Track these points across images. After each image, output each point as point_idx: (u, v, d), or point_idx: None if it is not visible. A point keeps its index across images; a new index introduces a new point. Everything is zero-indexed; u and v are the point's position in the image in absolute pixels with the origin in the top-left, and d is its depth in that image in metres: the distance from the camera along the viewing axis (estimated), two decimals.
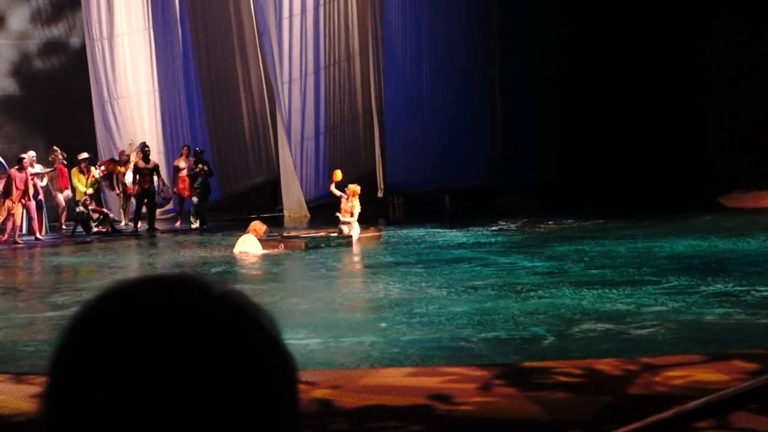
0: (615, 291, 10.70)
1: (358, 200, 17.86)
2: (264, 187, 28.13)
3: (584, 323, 8.89)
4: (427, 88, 26.30)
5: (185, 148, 24.99)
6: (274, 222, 23.33)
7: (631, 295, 10.40)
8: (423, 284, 11.87)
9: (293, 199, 26.42)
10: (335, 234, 17.73)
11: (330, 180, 19.14)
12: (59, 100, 28.03)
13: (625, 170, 24.62)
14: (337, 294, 12.29)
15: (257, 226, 16.96)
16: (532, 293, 10.80)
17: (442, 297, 10.82)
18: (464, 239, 17.49)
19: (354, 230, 17.66)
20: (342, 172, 19.12)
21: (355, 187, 17.95)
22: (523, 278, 12.12)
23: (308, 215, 25.37)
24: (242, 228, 18.88)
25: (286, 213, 25.93)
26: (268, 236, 17.63)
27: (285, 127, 26.46)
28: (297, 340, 8.19)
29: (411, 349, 8.14)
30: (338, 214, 17.86)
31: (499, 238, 17.51)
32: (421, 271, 13.18)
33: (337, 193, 18.16)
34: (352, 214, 17.73)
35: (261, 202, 27.51)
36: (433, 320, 9.37)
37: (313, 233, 18.39)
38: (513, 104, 26.26)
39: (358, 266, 15.32)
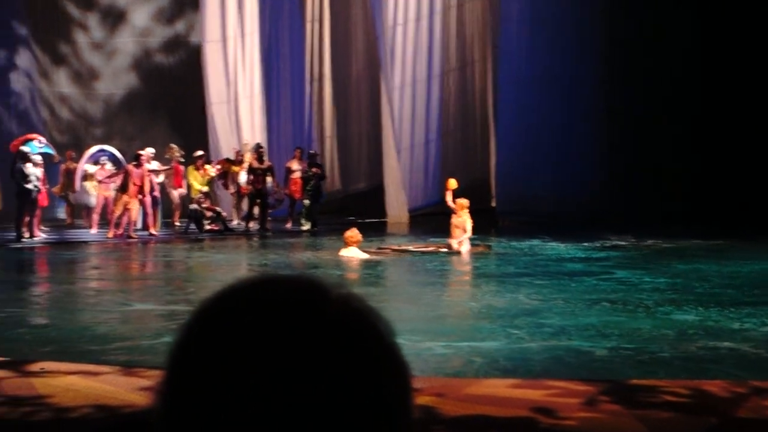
0: (737, 311, 10.56)
1: (467, 214, 17.50)
2: (373, 192, 28.33)
3: (704, 341, 8.81)
4: (541, 99, 26.12)
5: (298, 150, 25.24)
6: (377, 228, 23.49)
7: (752, 315, 10.27)
8: (547, 295, 11.84)
9: (396, 206, 26.48)
10: (444, 250, 17.49)
11: (444, 189, 18.47)
12: (177, 98, 28.64)
13: (746, 192, 24.07)
14: (453, 300, 12.32)
15: (357, 237, 16.68)
16: (656, 309, 10.74)
17: (567, 309, 10.81)
18: (577, 253, 17.34)
19: (464, 246, 17.38)
20: (456, 181, 18.51)
21: (463, 201, 17.43)
22: (646, 294, 12.01)
23: (408, 223, 25.45)
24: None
25: (389, 219, 26.03)
26: (378, 249, 17.72)
27: (393, 133, 26.51)
28: (412, 344, 8.29)
29: (529, 358, 8.17)
30: (450, 240, 17.46)
31: (613, 253, 17.31)
32: (545, 282, 13.13)
33: (452, 204, 17.66)
34: (465, 230, 17.36)
35: (369, 206, 27.75)
36: (557, 331, 9.38)
37: (422, 248, 18.13)
38: (630, 120, 25.90)
39: (473, 275, 15.29)
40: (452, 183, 18.06)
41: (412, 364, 1.03)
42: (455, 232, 17.43)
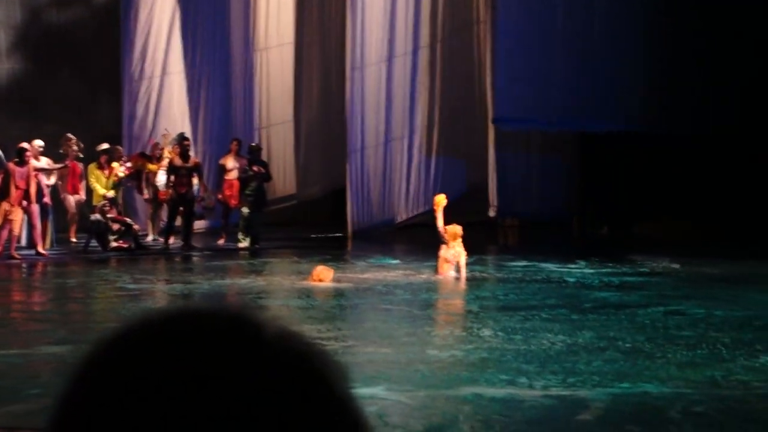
0: None
1: (461, 245, 17.23)
2: (333, 198, 28.24)
3: None
4: (556, 74, 26.16)
5: (235, 142, 25.06)
6: (333, 245, 23.43)
7: None
8: (593, 333, 11.96)
9: (350, 217, 26.26)
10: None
11: (434, 209, 17.99)
12: (78, 75, 28.32)
13: None
14: (436, 341, 12.32)
15: (324, 275, 16.67)
16: (734, 353, 10.79)
17: (630, 349, 10.89)
18: (606, 279, 17.38)
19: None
20: (446, 197, 18.03)
21: (455, 229, 17.19)
22: (720, 332, 12.09)
23: (350, 239, 25.44)
24: (302, 250, 19.03)
25: (350, 233, 25.90)
26: None
27: (355, 125, 26.21)
28: (385, 394, 8.36)
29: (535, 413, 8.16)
30: (438, 274, 17.20)
31: (651, 279, 17.43)
32: (584, 317, 13.15)
33: (442, 229, 17.29)
34: (459, 266, 17.17)
35: (328, 216, 27.63)
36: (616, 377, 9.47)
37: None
38: (662, 103, 26.03)
39: (471, 308, 15.19)
40: (440, 199, 17.71)
41: (381, 421, 0.96)
42: (443, 267, 17.18)
